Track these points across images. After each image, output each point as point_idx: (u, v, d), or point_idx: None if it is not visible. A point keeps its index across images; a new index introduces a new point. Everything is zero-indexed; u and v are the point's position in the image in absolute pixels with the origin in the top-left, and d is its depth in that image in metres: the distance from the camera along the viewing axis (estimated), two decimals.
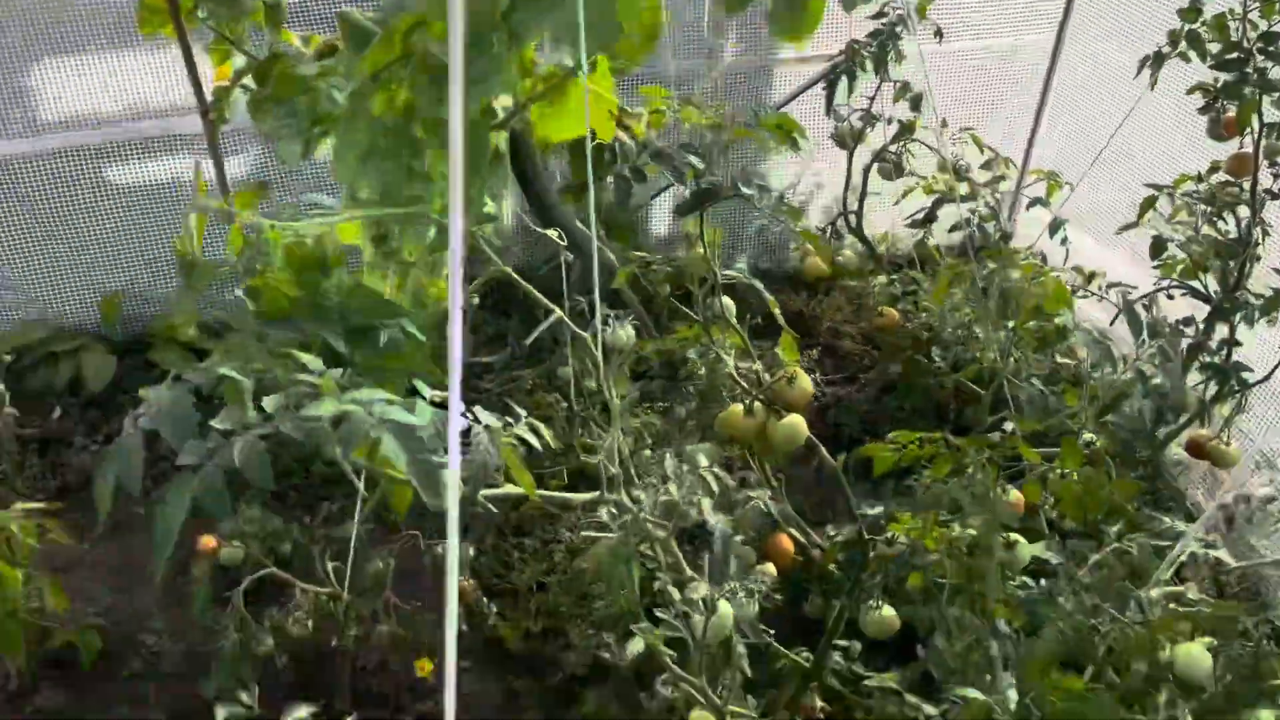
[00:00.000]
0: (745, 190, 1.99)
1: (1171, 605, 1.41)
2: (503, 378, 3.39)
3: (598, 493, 1.69)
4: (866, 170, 3.60)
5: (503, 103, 1.89)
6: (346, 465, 1.35)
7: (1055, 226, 3.45)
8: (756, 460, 2.55)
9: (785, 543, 2.62)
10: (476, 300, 2.66)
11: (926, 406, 3.40)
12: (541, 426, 1.57)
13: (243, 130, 3.30)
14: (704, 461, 1.93)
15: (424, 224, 1.78)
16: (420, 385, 1.38)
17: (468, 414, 1.32)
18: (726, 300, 2.38)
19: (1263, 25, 2.58)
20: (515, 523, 3.09)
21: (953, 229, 3.48)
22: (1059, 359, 2.86)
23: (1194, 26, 2.60)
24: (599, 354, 1.64)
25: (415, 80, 1.60)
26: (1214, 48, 2.63)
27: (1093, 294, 3.12)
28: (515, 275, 1.79)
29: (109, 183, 3.39)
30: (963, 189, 3.52)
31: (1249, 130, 2.70)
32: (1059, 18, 3.73)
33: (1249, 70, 2.57)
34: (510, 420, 1.52)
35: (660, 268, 2.27)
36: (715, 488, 1.92)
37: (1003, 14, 3.81)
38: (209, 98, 2.89)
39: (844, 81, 3.36)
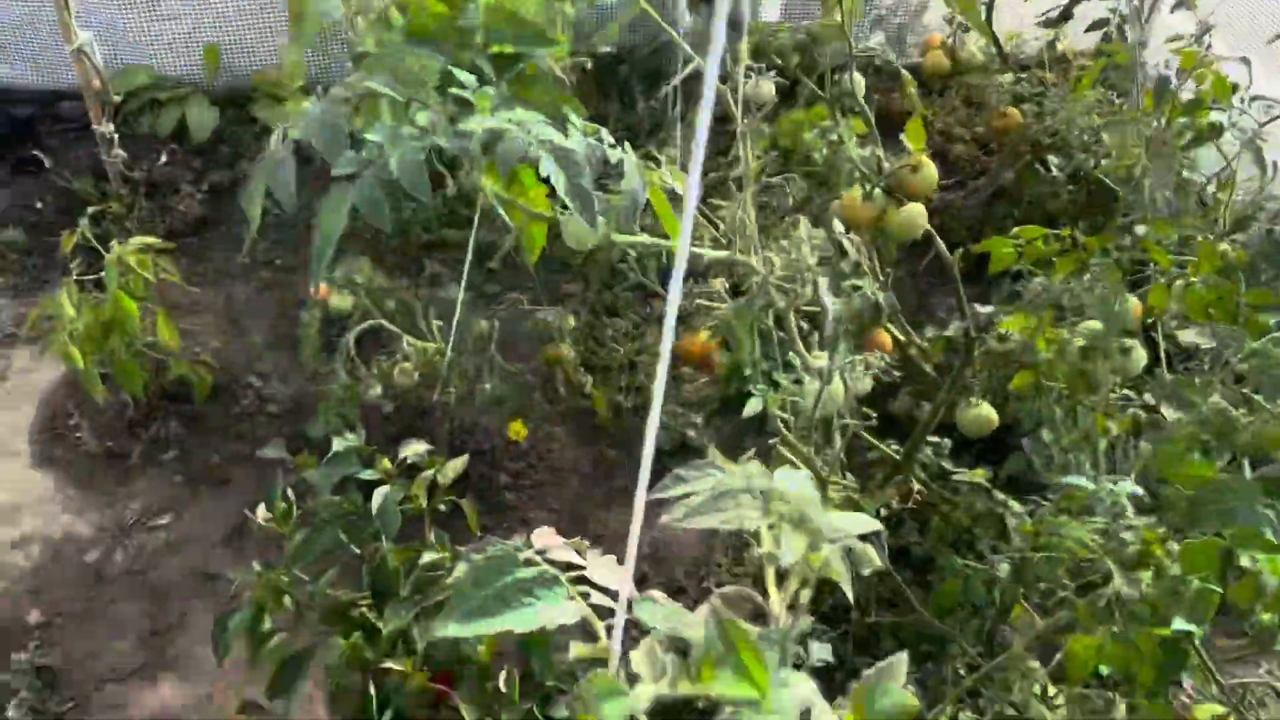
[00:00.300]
0: None
1: None
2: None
3: (729, 253, 1.66)
4: None
5: None
6: (490, 191, 1.33)
7: (1202, 31, 3.21)
8: (869, 248, 2.49)
9: (883, 337, 2.59)
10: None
11: (1038, 216, 3.28)
12: (679, 172, 1.52)
13: None
14: (838, 229, 1.88)
15: None
16: (571, 115, 1.33)
17: (616, 145, 1.28)
18: (857, 76, 2.27)
19: None
20: (609, 302, 3.10)
21: (1090, 28, 3.25)
22: (1195, 175, 2.71)
23: None
24: (737, 109, 1.57)
25: None
26: None
27: (1234, 107, 2.92)
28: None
29: None
30: None
31: None
32: None
33: None
34: (650, 165, 1.48)
35: (790, 35, 2.15)
36: (839, 258, 1.88)
37: None
38: None
39: None
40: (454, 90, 1.20)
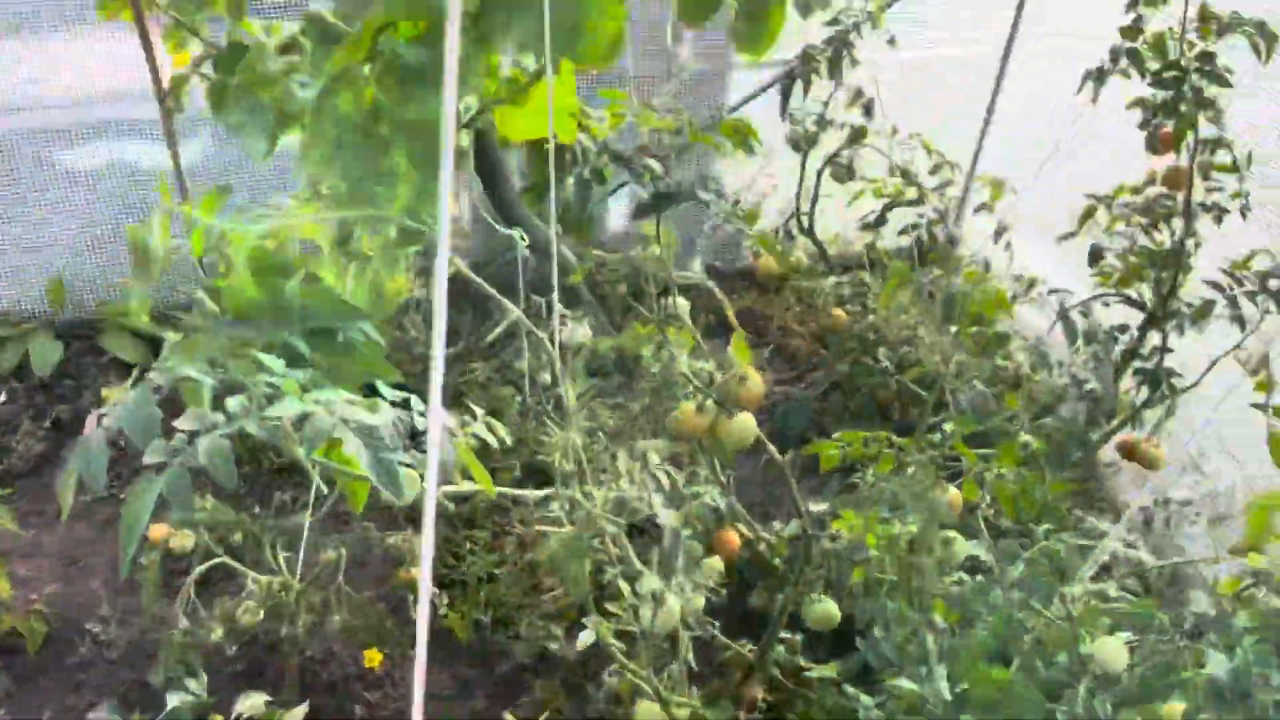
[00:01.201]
0: (703, 195, 2.04)
1: (1093, 602, 1.49)
2: (456, 370, 3.41)
3: (553, 489, 1.73)
4: (819, 173, 3.67)
5: (467, 103, 1.93)
6: (307, 463, 1.38)
7: (999, 232, 3.56)
8: (707, 456, 2.60)
9: (732, 537, 2.68)
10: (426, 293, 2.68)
11: (872, 406, 3.49)
12: (497, 423, 1.60)
13: (197, 119, 3.28)
14: (655, 459, 1.98)
15: (388, 223, 1.81)
16: (380, 385, 1.41)
17: (425, 413, 1.36)
18: (681, 300, 2.43)
19: (1200, 45, 2.68)
20: (466, 515, 3.13)
21: (902, 232, 3.56)
22: (1000, 362, 2.96)
23: (1134, 45, 2.70)
24: (555, 352, 1.68)
25: (382, 80, 1.63)
26: (1154, 65, 2.73)
27: (1033, 300, 3.22)
28: (469, 271, 1.82)
29: (61, 166, 3.35)
30: (911, 193, 3.61)
31: (1185, 145, 2.81)
32: (1008, 30, 3.83)
33: (1185, 88, 2.67)
34: (468, 418, 1.55)
35: (616, 267, 2.31)
36: (665, 484, 1.97)
37: (955, 25, 3.90)
38: (165, 85, 2.88)
39: (799, 87, 3.42)
40: (262, 377, 1.27)
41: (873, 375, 3.35)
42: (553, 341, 1.74)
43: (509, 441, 1.64)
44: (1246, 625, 1.34)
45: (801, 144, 3.57)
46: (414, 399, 1.38)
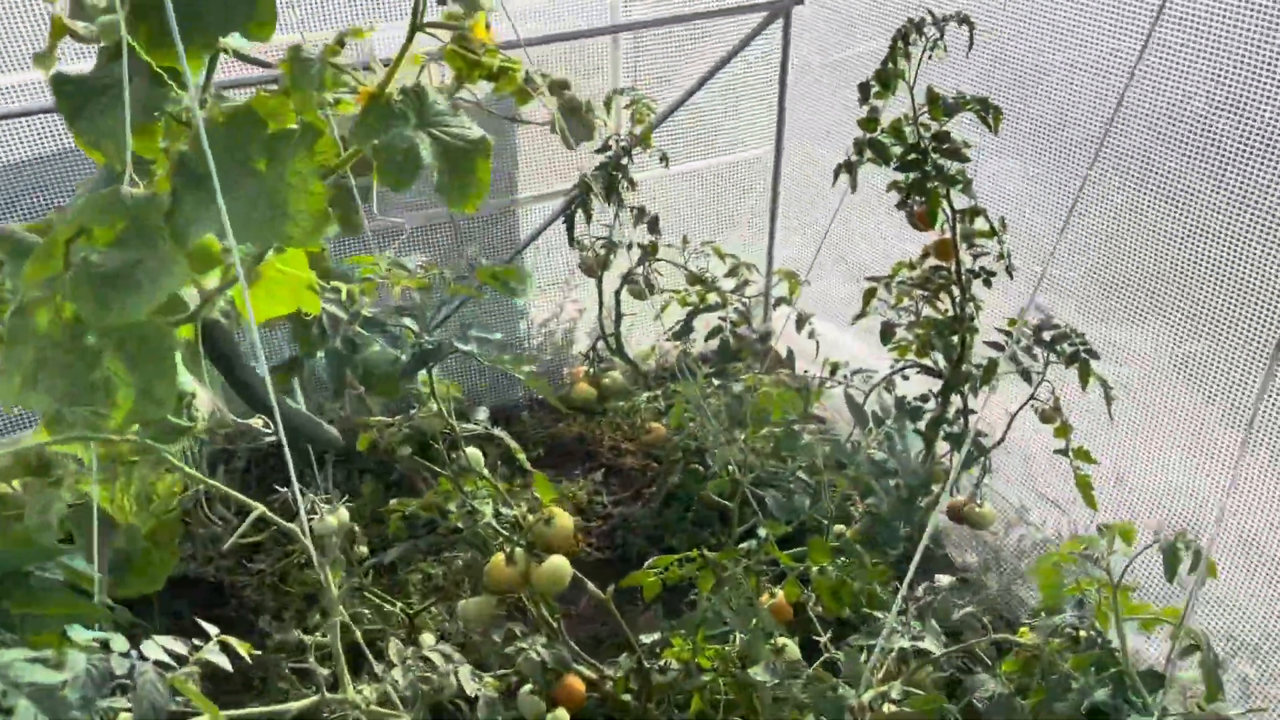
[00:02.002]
0: (463, 346, 2.01)
1: (884, 706, 1.46)
2: (275, 555, 3.25)
3: (314, 698, 1.61)
4: (617, 294, 3.71)
5: (191, 293, 1.85)
6: None
7: (800, 322, 3.65)
8: (533, 604, 2.52)
9: (575, 684, 2.57)
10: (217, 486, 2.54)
11: (710, 514, 3.47)
12: (235, 642, 1.49)
13: None
14: (430, 640, 1.89)
15: (109, 433, 1.70)
16: (73, 630, 1.27)
17: (130, 653, 1.24)
18: (472, 451, 2.37)
19: (934, 126, 2.84)
20: None
21: (708, 338, 3.61)
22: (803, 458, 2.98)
23: (874, 135, 2.84)
24: (309, 544, 1.59)
25: (79, 290, 1.55)
26: (896, 150, 2.87)
27: (839, 383, 3.28)
28: (200, 475, 1.73)
29: None
30: (713, 298, 3.68)
31: (944, 218, 2.95)
32: (775, 132, 4.01)
33: (928, 168, 2.82)
34: (198, 643, 1.44)
35: (398, 429, 2.25)
36: (444, 665, 1.87)
37: (724, 136, 4.06)
38: None
39: (581, 214, 3.48)
40: None
41: (702, 483, 3.33)
42: (305, 535, 1.64)
43: (248, 658, 1.51)
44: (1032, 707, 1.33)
45: (594, 269, 3.61)
46: (115, 639, 1.25)
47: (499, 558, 2.31)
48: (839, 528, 2.34)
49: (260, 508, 1.55)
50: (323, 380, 2.97)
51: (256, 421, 1.74)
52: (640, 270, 3.64)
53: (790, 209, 4.23)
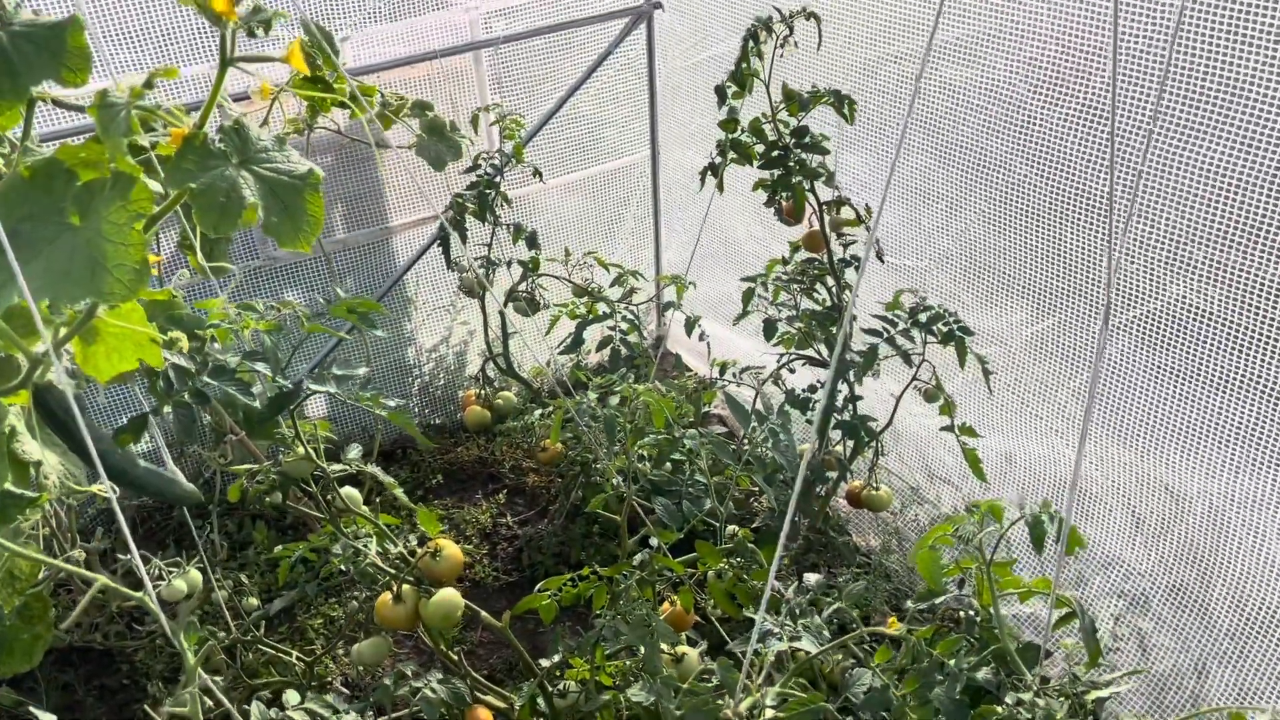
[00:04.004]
0: (318, 387, 1.95)
1: (764, 714, 1.46)
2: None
3: None
4: (502, 312, 3.67)
5: (19, 357, 1.77)
6: None
7: (689, 325, 3.66)
8: (429, 639, 2.46)
9: (482, 714, 2.53)
10: (82, 556, 2.44)
11: (615, 526, 3.45)
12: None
13: None
14: (294, 699, 1.83)
15: None
16: None
17: None
18: (348, 491, 2.31)
19: (793, 122, 2.86)
20: None
21: (599, 348, 3.59)
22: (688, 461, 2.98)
23: (735, 136, 2.85)
24: (158, 611, 1.52)
25: None
26: (759, 149, 2.89)
27: (730, 382, 3.29)
28: (44, 558, 1.65)
29: None
30: (601, 308, 3.66)
31: (811, 211, 2.98)
32: (649, 137, 4.01)
33: (791, 163, 2.84)
34: None
35: (264, 476, 2.18)
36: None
37: (600, 145, 4.05)
38: None
39: (455, 236, 3.43)
40: None
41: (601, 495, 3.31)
42: (152, 601, 1.57)
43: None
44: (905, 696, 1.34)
45: (475, 289, 3.57)
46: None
47: (385, 597, 2.26)
48: (731, 528, 2.33)
49: (101, 579, 1.48)
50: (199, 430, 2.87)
51: (97, 487, 1.67)
52: (523, 287, 3.61)
53: (673, 213, 4.24)
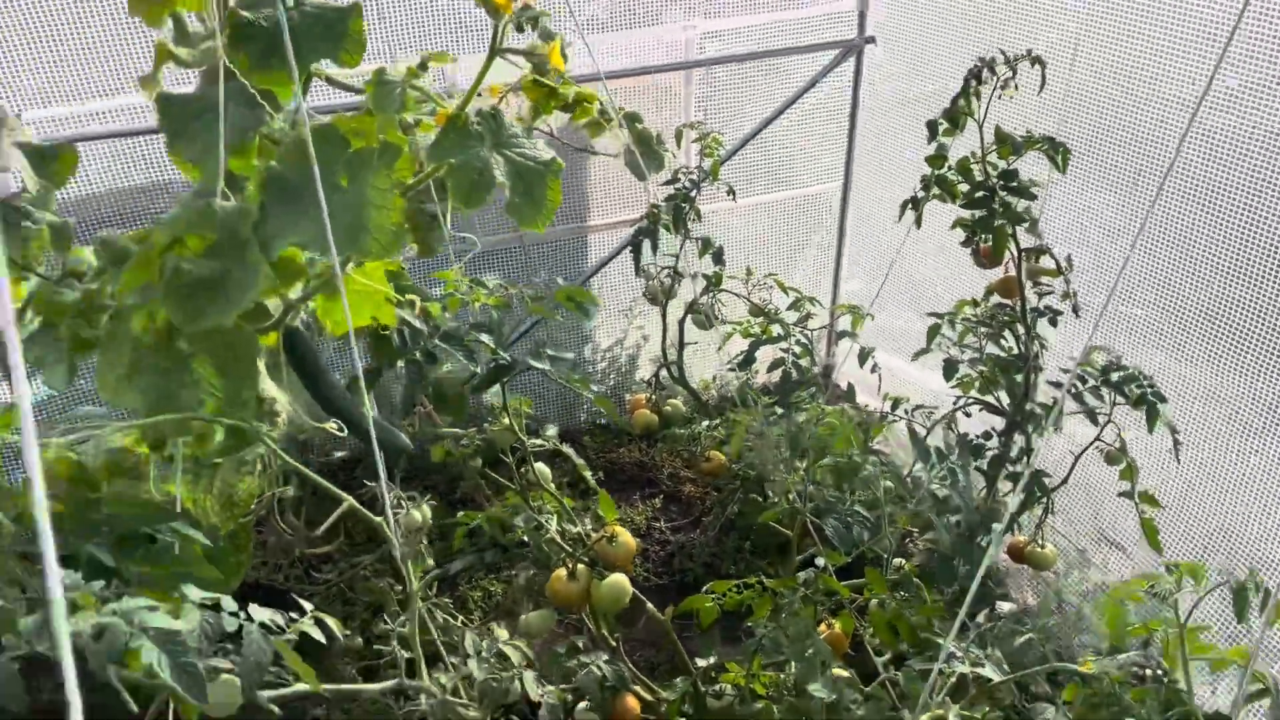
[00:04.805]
0: (536, 364, 2.06)
1: None
2: (342, 566, 3.32)
3: (395, 680, 1.66)
4: (681, 323, 3.76)
5: (276, 303, 1.94)
6: (114, 679, 1.31)
7: (863, 356, 3.65)
8: (593, 621, 2.55)
9: (631, 703, 2.59)
10: (292, 492, 2.62)
11: (769, 542, 3.47)
12: (330, 619, 1.55)
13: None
14: (504, 635, 1.93)
15: (198, 429, 1.78)
16: (187, 588, 1.36)
17: (238, 613, 1.32)
18: (540, 467, 2.42)
19: (1002, 164, 2.85)
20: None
21: (770, 369, 3.63)
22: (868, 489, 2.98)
23: (940, 172, 2.85)
24: (394, 537, 1.65)
25: (171, 296, 1.63)
26: (963, 188, 2.88)
27: (901, 418, 3.28)
28: (303, 468, 1.80)
29: None
30: (775, 330, 3.70)
31: (1009, 256, 2.95)
32: (843, 168, 4.04)
33: (995, 205, 2.82)
34: (295, 616, 1.50)
35: (469, 442, 2.31)
36: (521, 660, 1.91)
37: (792, 171, 4.10)
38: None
39: (648, 243, 3.53)
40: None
41: (761, 512, 3.34)
42: (390, 528, 1.70)
43: (340, 636, 1.58)
44: None
45: (659, 297, 3.66)
46: (225, 599, 1.33)
47: (560, 572, 2.35)
48: (897, 561, 2.33)
49: (350, 500, 1.61)
50: (388, 398, 3.05)
51: (331, 425, 1.81)
52: (704, 300, 3.68)
53: (857, 245, 4.25)
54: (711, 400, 4.07)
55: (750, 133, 3.83)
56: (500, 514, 2.55)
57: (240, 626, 1.39)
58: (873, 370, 3.68)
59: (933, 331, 3.13)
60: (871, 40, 3.75)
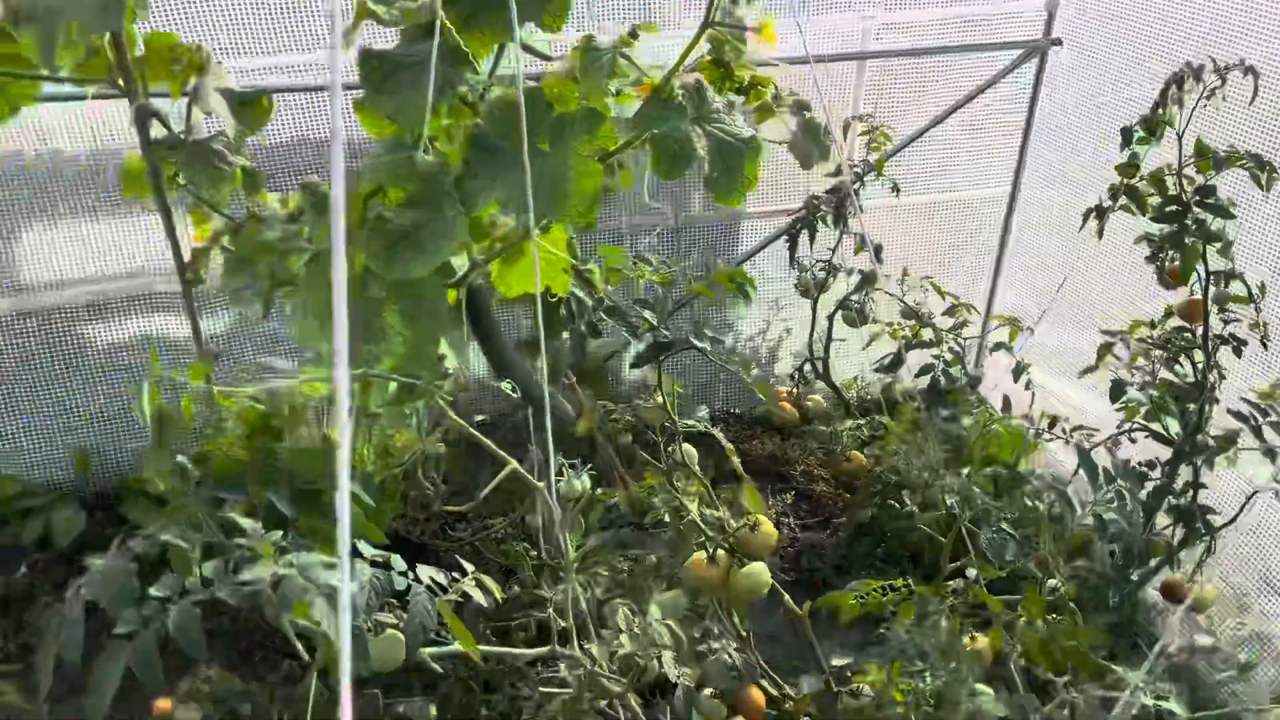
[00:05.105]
0: (698, 343, 2.05)
1: None
2: (475, 526, 3.38)
3: (548, 647, 1.67)
4: (831, 318, 3.69)
5: (459, 261, 1.97)
6: (287, 627, 1.35)
7: (1018, 371, 3.52)
8: (724, 608, 2.52)
9: (756, 695, 2.57)
10: (442, 448, 2.68)
11: (900, 551, 3.39)
12: (489, 581, 1.57)
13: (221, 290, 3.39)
14: (657, 614, 1.92)
15: (383, 380, 1.82)
16: (361, 545, 1.39)
17: (406, 573, 1.34)
18: (688, 448, 2.41)
19: (1199, 179, 2.69)
20: (485, 678, 3.03)
21: (919, 374, 3.54)
22: (1027, 503, 2.87)
23: (1132, 182, 2.72)
24: (554, 504, 1.66)
25: (371, 243, 1.67)
26: (1154, 200, 2.74)
27: (1058, 437, 3.15)
28: (470, 428, 1.82)
29: (88, 341, 3.45)
30: (927, 335, 3.60)
31: (1195, 278, 2.79)
32: (1012, 172, 3.90)
33: (1189, 222, 2.68)
34: (456, 576, 1.52)
35: (620, 417, 2.31)
36: (670, 640, 1.91)
37: (959, 172, 3.98)
38: (187, 259, 2.98)
39: (805, 235, 3.48)
40: (240, 540, 1.25)
41: (898, 519, 3.26)
42: (551, 495, 1.71)
43: (499, 598, 1.60)
44: None
45: (811, 290, 3.60)
46: (395, 558, 1.36)
47: (701, 556, 2.33)
48: (1052, 582, 2.24)
49: (514, 463, 1.63)
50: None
51: (505, 385, 1.84)
52: (857, 298, 3.61)
53: (1019, 254, 4.10)
54: (852, 400, 3.99)
55: (918, 130, 3.73)
56: (640, 494, 2.54)
57: (408, 586, 1.41)
58: (1026, 386, 3.55)
59: (1104, 350, 2.99)
60: (1058, 42, 3.60)
